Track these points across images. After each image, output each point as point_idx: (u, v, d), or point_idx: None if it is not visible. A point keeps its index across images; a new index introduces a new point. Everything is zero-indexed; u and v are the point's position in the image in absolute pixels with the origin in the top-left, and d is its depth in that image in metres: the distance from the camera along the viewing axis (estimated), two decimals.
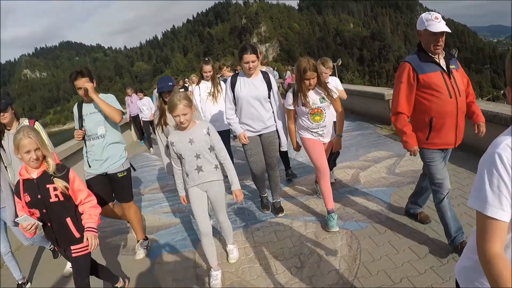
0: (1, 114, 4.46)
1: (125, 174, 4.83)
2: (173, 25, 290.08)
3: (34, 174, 3.21)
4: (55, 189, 3.19)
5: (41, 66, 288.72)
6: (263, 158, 5.26)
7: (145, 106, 13.10)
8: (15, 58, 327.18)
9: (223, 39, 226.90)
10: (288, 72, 22.84)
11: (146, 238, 5.24)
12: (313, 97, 4.66)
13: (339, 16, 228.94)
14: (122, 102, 15.49)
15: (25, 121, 4.72)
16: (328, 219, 4.71)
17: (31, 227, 3.11)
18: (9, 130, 4.63)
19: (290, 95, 4.79)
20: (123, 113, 5.02)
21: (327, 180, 4.76)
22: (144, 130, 13.85)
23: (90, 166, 4.72)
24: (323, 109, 4.68)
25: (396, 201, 5.14)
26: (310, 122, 4.73)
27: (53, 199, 3.20)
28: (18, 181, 3.27)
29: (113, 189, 4.89)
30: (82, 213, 3.36)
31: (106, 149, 4.66)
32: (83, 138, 4.71)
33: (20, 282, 4.78)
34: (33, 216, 3.19)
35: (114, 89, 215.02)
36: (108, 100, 4.58)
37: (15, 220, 3.06)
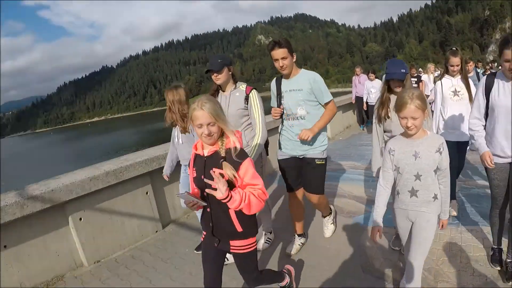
0: (215, 74, 4.24)
1: (322, 162, 4.38)
2: (410, 9, 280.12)
3: (206, 151, 2.81)
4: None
5: (275, 34, 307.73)
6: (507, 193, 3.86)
7: (374, 89, 11.75)
8: (251, 24, 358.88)
9: (463, 30, 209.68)
10: None
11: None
12: None
13: None
14: (349, 80, 15.65)
15: (241, 86, 4.41)
16: None
17: (192, 205, 2.85)
18: (223, 92, 4.41)
19: None
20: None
21: None
22: (367, 115, 12.62)
23: (281, 147, 4.47)
24: None
25: None
26: None
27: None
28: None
29: (305, 176, 4.47)
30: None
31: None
32: (281, 117, 4.41)
33: None
34: (196, 194, 2.92)
35: (343, 65, 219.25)
36: (317, 84, 4.18)
37: (176, 194, 2.83)
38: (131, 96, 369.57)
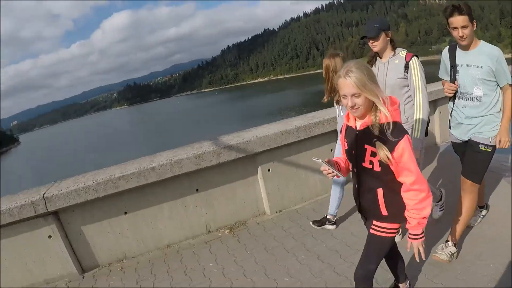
0: (371, 41, 3.95)
1: (488, 150, 3.70)
2: None
3: (358, 124, 2.52)
4: (372, 154, 2.45)
5: None
6: None
7: None
8: None
9: None
10: None
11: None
12: None
13: None
14: None
15: (401, 53, 4.00)
16: None
17: (327, 174, 2.65)
18: (381, 59, 4.10)
19: None
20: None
21: None
22: None
23: (450, 127, 4.00)
24: None
25: None
26: None
27: (366, 164, 2.51)
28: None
29: (465, 157, 3.88)
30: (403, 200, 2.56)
31: (480, 116, 3.68)
32: (454, 94, 3.82)
33: (328, 216, 4.80)
34: (343, 164, 2.81)
35: None
36: (500, 63, 3.49)
37: (312, 159, 2.68)
38: (293, 58, 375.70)
